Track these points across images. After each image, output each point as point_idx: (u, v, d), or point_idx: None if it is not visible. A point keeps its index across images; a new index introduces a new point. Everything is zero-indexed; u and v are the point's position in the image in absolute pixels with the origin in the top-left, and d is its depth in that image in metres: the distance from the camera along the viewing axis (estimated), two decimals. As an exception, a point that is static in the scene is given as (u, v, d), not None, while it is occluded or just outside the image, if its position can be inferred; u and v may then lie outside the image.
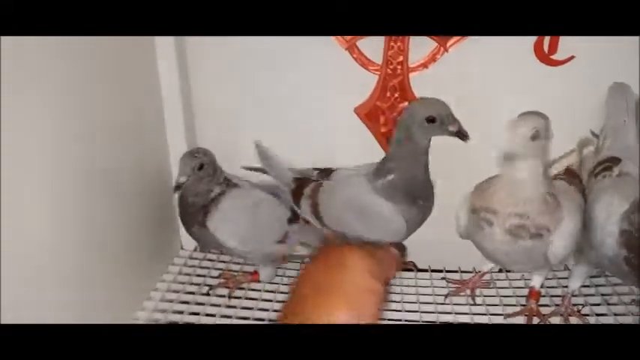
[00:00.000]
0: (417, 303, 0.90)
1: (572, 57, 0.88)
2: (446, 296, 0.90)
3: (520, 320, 0.83)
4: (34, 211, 0.63)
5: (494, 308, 0.88)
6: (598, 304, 0.86)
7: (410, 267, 0.99)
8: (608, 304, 0.86)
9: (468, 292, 0.91)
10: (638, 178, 0.77)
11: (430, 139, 0.78)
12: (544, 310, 0.84)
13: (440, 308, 0.89)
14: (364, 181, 0.82)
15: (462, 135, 0.77)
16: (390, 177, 0.80)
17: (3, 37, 0.54)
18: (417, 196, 0.81)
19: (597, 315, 0.84)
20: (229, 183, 0.90)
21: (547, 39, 0.88)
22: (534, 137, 0.69)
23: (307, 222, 0.91)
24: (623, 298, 0.86)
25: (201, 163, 0.85)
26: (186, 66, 0.97)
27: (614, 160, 0.82)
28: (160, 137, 0.98)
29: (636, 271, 0.68)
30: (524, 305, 0.85)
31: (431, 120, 0.77)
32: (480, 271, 0.92)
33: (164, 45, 0.92)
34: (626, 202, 0.71)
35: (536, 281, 0.84)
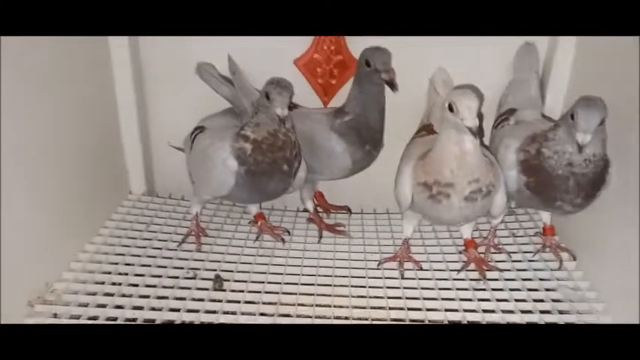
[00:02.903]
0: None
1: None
2: (379, 264, 0.91)
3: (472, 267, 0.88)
4: None
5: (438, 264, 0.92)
6: (507, 237, 0.98)
7: (345, 210, 1.08)
8: (515, 237, 0.98)
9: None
10: (532, 122, 0.88)
11: (378, 88, 0.87)
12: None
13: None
14: (324, 119, 0.92)
15: (391, 84, 0.85)
16: (347, 118, 0.90)
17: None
18: (367, 141, 0.91)
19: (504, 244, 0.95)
20: None
21: None
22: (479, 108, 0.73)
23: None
24: (528, 231, 1.00)
25: (292, 93, 0.79)
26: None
27: (511, 112, 0.94)
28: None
29: (538, 193, 0.79)
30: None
31: (367, 64, 0.85)
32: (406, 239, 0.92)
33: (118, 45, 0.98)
34: (519, 140, 0.82)
35: (467, 232, 0.90)
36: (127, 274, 0.86)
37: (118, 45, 1.00)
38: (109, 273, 0.86)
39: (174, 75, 1.05)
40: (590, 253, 0.86)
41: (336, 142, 0.91)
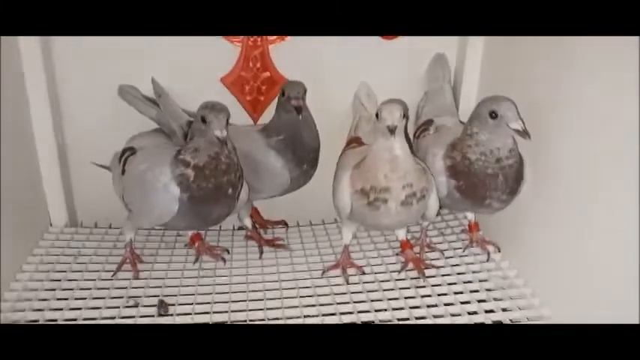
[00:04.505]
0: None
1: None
2: (323, 272, 0.93)
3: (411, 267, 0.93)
4: None
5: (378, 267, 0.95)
6: (437, 236, 1.05)
7: (282, 224, 1.09)
8: (444, 235, 1.05)
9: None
10: (452, 127, 0.95)
11: (293, 112, 0.89)
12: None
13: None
14: (260, 137, 0.93)
15: (296, 109, 0.88)
16: (282, 136, 0.92)
17: None
18: (304, 161, 0.93)
19: (435, 243, 1.01)
20: None
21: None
22: (404, 115, 0.78)
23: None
24: (455, 229, 1.07)
25: (228, 115, 0.78)
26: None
27: (429, 122, 1.00)
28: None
29: (468, 194, 0.85)
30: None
31: (282, 94, 0.90)
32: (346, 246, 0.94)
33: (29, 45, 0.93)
34: (442, 148, 0.87)
35: (402, 234, 0.94)
36: (61, 309, 0.80)
37: (31, 65, 0.95)
38: (42, 310, 0.80)
39: (93, 94, 1.01)
40: (514, 243, 0.94)
41: (275, 159, 0.92)
